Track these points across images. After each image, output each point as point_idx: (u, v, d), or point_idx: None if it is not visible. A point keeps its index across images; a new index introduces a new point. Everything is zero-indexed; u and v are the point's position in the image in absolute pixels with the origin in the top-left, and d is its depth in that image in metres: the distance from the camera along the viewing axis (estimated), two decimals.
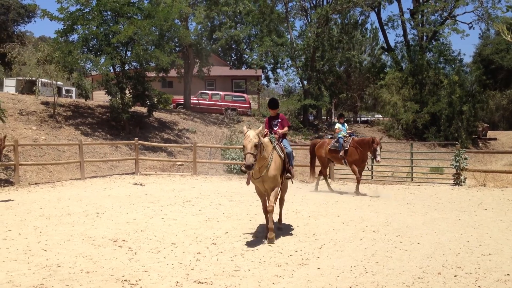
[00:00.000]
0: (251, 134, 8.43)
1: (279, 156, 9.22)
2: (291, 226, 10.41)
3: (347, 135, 16.19)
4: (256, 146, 8.31)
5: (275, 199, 9.19)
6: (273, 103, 10.22)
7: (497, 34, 42.62)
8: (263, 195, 9.34)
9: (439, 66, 41.55)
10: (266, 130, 9.78)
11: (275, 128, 9.91)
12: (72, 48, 24.95)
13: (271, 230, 8.97)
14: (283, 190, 10.15)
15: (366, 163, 16.60)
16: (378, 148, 15.01)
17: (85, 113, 27.92)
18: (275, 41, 37.57)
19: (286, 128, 10.03)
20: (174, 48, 34.69)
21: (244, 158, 8.32)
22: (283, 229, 10.02)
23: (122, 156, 23.06)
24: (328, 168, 17.75)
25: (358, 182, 15.74)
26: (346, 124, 16.95)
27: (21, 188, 15.77)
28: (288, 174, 9.50)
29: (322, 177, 16.90)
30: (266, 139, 9.17)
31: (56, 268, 7.29)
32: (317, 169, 17.01)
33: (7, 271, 7.10)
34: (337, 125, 16.64)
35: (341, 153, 15.79)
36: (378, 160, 15.12)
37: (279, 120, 10.05)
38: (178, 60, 31.53)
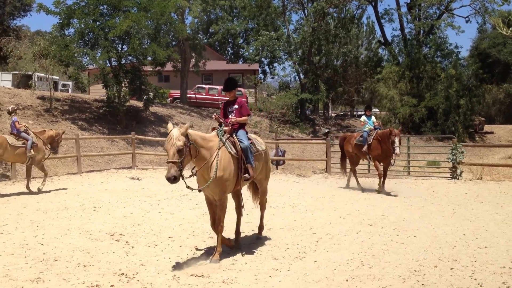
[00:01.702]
0: (174, 134, 6.74)
1: (230, 153, 7.52)
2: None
3: (373, 128, 15.02)
4: (180, 150, 6.70)
5: (223, 213, 7.56)
6: (228, 84, 8.25)
7: (494, 28, 42.57)
8: (213, 205, 7.70)
9: (436, 60, 41.54)
10: (218, 121, 8.09)
11: (230, 116, 8.09)
12: (68, 42, 24.87)
13: (218, 252, 7.47)
14: (263, 193, 8.84)
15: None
16: (396, 140, 13.70)
17: (82, 107, 27.84)
18: (271, 35, 37.50)
19: (244, 117, 8.11)
20: (171, 42, 34.59)
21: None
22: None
23: (119, 150, 23.02)
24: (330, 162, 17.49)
25: (380, 177, 14.73)
26: (373, 117, 15.70)
27: (17, 183, 15.73)
28: (246, 175, 7.71)
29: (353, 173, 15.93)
30: (213, 133, 7.72)
31: (53, 262, 7.29)
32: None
33: (4, 265, 7.10)
34: (362, 118, 15.58)
35: (365, 148, 14.75)
36: (396, 153, 13.78)
37: (237, 107, 8.13)
38: (175, 54, 31.45)
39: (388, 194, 14.18)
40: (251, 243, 8.39)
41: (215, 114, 8.18)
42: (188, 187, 7.22)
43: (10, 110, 14.22)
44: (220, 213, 7.49)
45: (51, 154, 15.08)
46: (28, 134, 13.97)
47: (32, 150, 13.76)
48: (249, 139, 8.06)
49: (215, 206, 7.61)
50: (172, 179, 6.68)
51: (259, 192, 8.82)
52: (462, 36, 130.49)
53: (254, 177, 8.04)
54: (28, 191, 13.92)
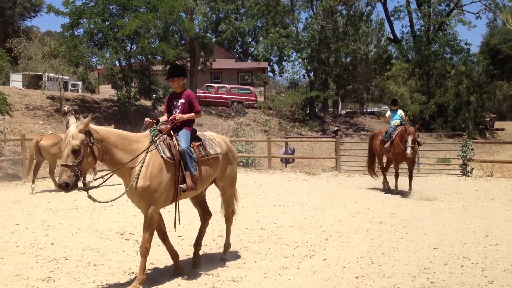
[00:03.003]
0: (70, 131, 5.57)
1: (162, 157, 6.19)
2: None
3: (399, 123, 13.92)
4: (76, 151, 5.47)
5: (151, 233, 6.20)
6: (172, 71, 6.92)
7: (505, 24, 42.32)
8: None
9: (446, 57, 41.34)
10: (151, 124, 6.67)
11: (174, 113, 6.77)
12: (77, 42, 25.03)
13: (139, 280, 6.08)
14: (227, 204, 7.49)
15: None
16: (409, 139, 12.67)
17: (92, 107, 27.99)
18: (280, 33, 37.47)
19: (192, 114, 6.79)
20: (180, 41, 34.69)
21: None
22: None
23: None
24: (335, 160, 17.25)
25: (396, 178, 14.03)
26: (400, 111, 14.45)
27: (28, 183, 15.83)
28: (183, 185, 6.34)
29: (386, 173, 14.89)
30: (145, 133, 6.50)
31: (64, 261, 7.34)
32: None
33: (15, 264, 7.15)
34: (387, 113, 14.67)
35: (386, 145, 13.80)
36: (407, 153, 12.71)
37: (183, 101, 6.79)
38: (184, 53, 31.53)
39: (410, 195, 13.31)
40: (260, 242, 8.39)
41: (146, 119, 6.80)
42: (89, 197, 5.95)
43: (66, 111, 15.13)
44: (146, 232, 6.13)
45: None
46: None
47: None
48: (199, 139, 6.81)
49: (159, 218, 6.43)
50: (64, 187, 5.47)
51: (223, 202, 7.54)
52: (473, 32, 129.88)
53: (195, 189, 6.53)
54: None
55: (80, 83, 39.73)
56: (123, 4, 25.85)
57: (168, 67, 30.70)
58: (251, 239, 8.51)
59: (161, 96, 29.20)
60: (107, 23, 25.89)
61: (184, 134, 6.56)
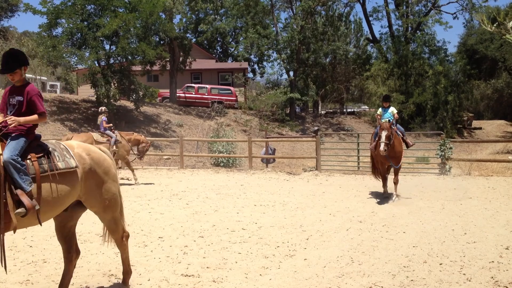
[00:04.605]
0: None
1: None
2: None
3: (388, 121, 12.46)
4: None
5: None
6: (10, 61, 5.13)
7: (481, 24, 42.95)
8: None
9: (424, 57, 41.85)
10: None
11: (9, 112, 5.11)
12: (56, 43, 24.77)
13: None
14: (111, 230, 5.97)
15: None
16: (382, 134, 11.84)
17: (71, 108, 27.69)
18: (260, 33, 37.54)
19: (34, 117, 5.05)
20: (160, 42, 34.57)
21: None
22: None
23: None
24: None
25: (395, 183, 12.76)
26: (392, 109, 13.26)
27: None
28: (20, 209, 4.61)
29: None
30: None
31: (42, 264, 7.24)
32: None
33: None
34: (379, 111, 13.47)
35: (371, 145, 13.06)
36: (380, 150, 11.79)
37: (20, 99, 5.10)
38: (164, 53, 31.41)
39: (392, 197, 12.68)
40: (241, 242, 8.38)
41: None
42: None
43: (102, 110, 16.51)
44: None
45: (136, 159, 17.24)
46: (113, 132, 15.87)
47: (114, 146, 15.59)
48: (44, 149, 5.11)
49: None
50: None
51: (106, 229, 6.09)
52: (450, 32, 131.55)
53: (34, 208, 4.71)
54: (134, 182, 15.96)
55: (58, 83, 39.35)
56: (102, 4, 25.66)
57: (151, 68, 30.80)
58: (232, 240, 8.49)
59: (141, 96, 29.07)
60: (86, 22, 25.66)
61: (13, 142, 4.88)
